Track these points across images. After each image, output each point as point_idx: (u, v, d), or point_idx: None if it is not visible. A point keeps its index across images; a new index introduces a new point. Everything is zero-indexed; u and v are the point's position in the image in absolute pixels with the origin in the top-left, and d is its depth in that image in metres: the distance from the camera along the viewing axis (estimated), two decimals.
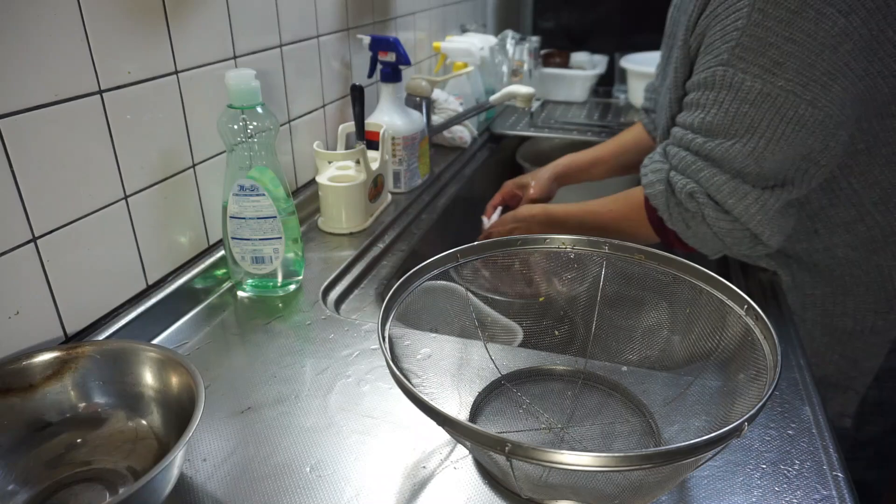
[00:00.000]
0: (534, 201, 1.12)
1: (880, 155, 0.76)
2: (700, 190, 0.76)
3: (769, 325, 0.49)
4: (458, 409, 0.58)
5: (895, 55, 0.68)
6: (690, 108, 0.77)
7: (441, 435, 0.56)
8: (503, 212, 1.12)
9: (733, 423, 0.40)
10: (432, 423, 0.44)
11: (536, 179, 1.14)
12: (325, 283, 0.81)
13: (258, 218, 0.73)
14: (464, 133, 1.36)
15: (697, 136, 0.76)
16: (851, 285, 0.84)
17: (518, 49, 1.59)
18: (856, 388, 0.90)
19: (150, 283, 0.73)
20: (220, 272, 0.81)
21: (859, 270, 0.83)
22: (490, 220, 1.12)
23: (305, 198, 1.00)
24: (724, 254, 0.83)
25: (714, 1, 0.73)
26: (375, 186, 0.99)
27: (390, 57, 1.04)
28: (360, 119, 0.97)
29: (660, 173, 0.81)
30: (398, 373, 0.46)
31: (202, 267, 0.78)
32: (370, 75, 1.10)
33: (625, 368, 0.63)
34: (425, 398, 0.44)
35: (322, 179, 0.93)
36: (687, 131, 0.78)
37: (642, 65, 1.61)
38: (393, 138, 1.06)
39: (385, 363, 0.48)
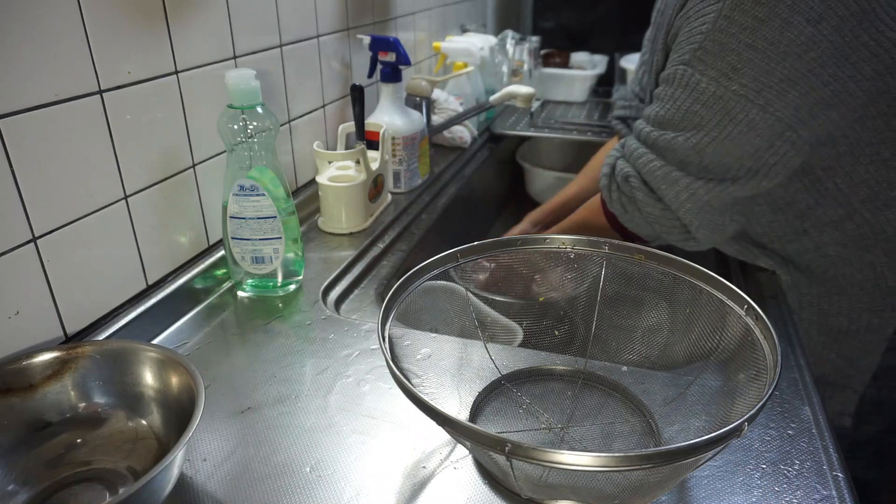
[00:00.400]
0: None
1: (864, 155, 0.76)
2: (635, 174, 0.80)
3: (769, 325, 0.49)
4: (458, 409, 0.58)
5: (870, 59, 0.68)
6: (653, 102, 0.80)
7: (441, 435, 0.56)
8: None
9: (733, 423, 0.40)
10: (432, 423, 0.44)
11: (518, 229, 1.19)
12: (325, 283, 0.81)
13: (258, 218, 0.73)
14: (464, 133, 1.36)
15: (648, 127, 0.79)
16: (845, 284, 0.84)
17: (518, 49, 1.59)
18: (854, 386, 0.90)
19: (150, 283, 0.73)
20: (220, 272, 0.81)
21: (852, 269, 0.83)
22: None
23: (305, 198, 1.00)
24: (662, 241, 0.84)
25: (689, 3, 0.75)
26: (375, 186, 0.99)
27: (390, 57, 1.04)
28: (360, 119, 0.97)
29: (610, 159, 0.85)
30: (398, 373, 0.46)
31: (202, 267, 0.78)
32: (370, 75, 1.10)
33: (625, 368, 0.63)
34: (425, 398, 0.44)
35: (322, 179, 0.93)
36: (643, 122, 0.81)
37: None
38: (393, 138, 1.06)
39: (385, 363, 0.48)
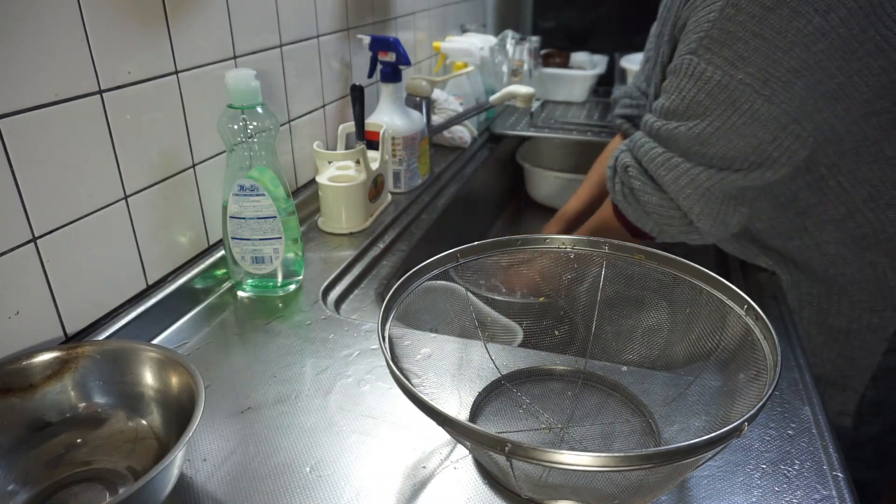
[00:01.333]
0: None
1: (868, 153, 0.76)
2: (635, 164, 0.79)
3: (769, 325, 0.49)
4: (458, 409, 0.58)
5: (876, 55, 0.68)
6: (661, 95, 0.80)
7: (441, 435, 0.56)
8: None
9: (733, 423, 0.40)
10: (432, 423, 0.44)
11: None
12: (325, 283, 0.81)
13: (258, 218, 0.73)
14: (464, 133, 1.36)
15: (654, 119, 0.79)
16: (845, 283, 0.84)
17: (518, 49, 1.59)
18: (854, 386, 0.90)
19: (150, 283, 0.73)
20: (220, 272, 0.81)
21: (852, 268, 0.83)
22: None
23: (305, 198, 1.00)
24: (667, 237, 0.83)
25: None
26: (375, 186, 0.99)
27: (390, 57, 1.04)
28: (360, 119, 0.97)
29: (616, 153, 0.85)
30: (398, 373, 0.46)
31: (202, 267, 0.78)
32: (370, 75, 1.10)
33: (625, 368, 0.63)
34: (425, 398, 0.44)
35: (322, 179, 0.93)
36: (651, 115, 0.80)
37: None
38: (393, 138, 1.06)
39: (385, 363, 0.48)
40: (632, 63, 1.65)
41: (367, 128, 1.00)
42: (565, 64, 1.83)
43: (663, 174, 0.76)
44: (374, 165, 0.97)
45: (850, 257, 0.82)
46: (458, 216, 1.20)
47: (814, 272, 0.85)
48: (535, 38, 1.68)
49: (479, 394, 0.61)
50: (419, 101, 1.17)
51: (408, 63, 1.05)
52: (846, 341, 0.88)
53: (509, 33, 1.60)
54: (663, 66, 0.84)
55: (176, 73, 0.72)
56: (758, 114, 0.69)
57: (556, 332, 0.67)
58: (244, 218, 0.73)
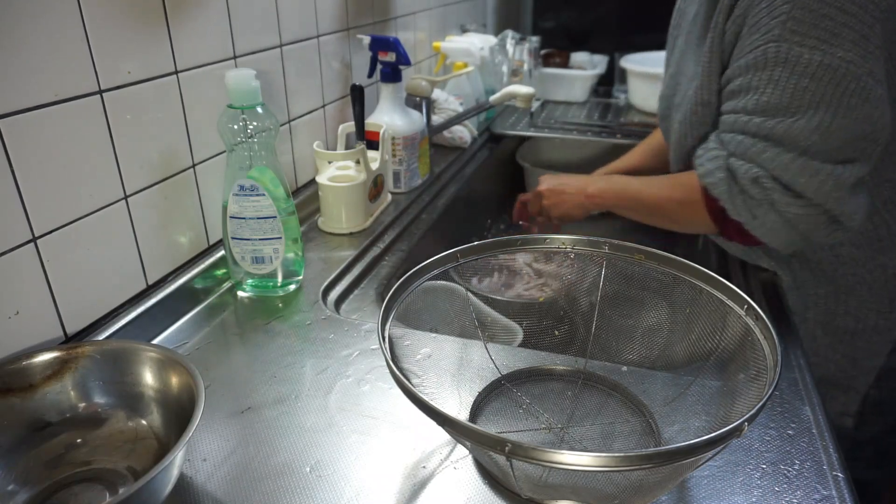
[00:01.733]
0: None
1: (894, 150, 0.75)
2: (765, 174, 0.72)
3: (769, 325, 0.49)
4: (458, 409, 0.58)
5: None
6: (740, 94, 0.74)
7: (441, 435, 0.56)
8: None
9: (733, 423, 0.40)
10: (432, 423, 0.44)
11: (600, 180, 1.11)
12: (325, 283, 0.81)
13: (258, 218, 0.73)
14: (464, 133, 1.36)
15: (753, 118, 0.72)
16: (854, 284, 0.84)
17: (518, 49, 1.59)
18: (857, 387, 0.90)
19: (150, 283, 0.73)
20: (220, 272, 0.81)
21: (863, 269, 0.83)
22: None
23: (305, 198, 1.00)
24: (797, 246, 0.78)
25: None
26: (375, 186, 0.99)
27: (390, 57, 1.04)
28: (360, 119, 0.97)
29: (718, 160, 0.76)
30: (398, 373, 0.46)
31: (202, 267, 0.78)
32: (370, 75, 1.10)
33: (625, 368, 0.63)
34: (425, 398, 0.44)
35: (322, 179, 0.93)
36: (740, 115, 0.74)
37: (642, 65, 1.61)
38: (393, 138, 1.06)
39: (385, 363, 0.48)
40: (632, 63, 1.65)
41: (367, 128, 1.00)
42: (565, 64, 1.83)
43: (804, 182, 0.70)
44: (374, 165, 0.97)
45: (862, 258, 0.82)
46: (458, 216, 1.19)
47: (823, 273, 0.84)
48: (535, 38, 1.68)
49: (479, 394, 0.61)
50: (419, 101, 1.17)
51: (408, 63, 1.05)
52: (851, 342, 0.87)
53: (509, 33, 1.60)
54: (711, 53, 0.78)
55: (176, 73, 0.72)
56: (866, 90, 0.66)
57: (556, 332, 0.67)
58: (244, 218, 0.73)
